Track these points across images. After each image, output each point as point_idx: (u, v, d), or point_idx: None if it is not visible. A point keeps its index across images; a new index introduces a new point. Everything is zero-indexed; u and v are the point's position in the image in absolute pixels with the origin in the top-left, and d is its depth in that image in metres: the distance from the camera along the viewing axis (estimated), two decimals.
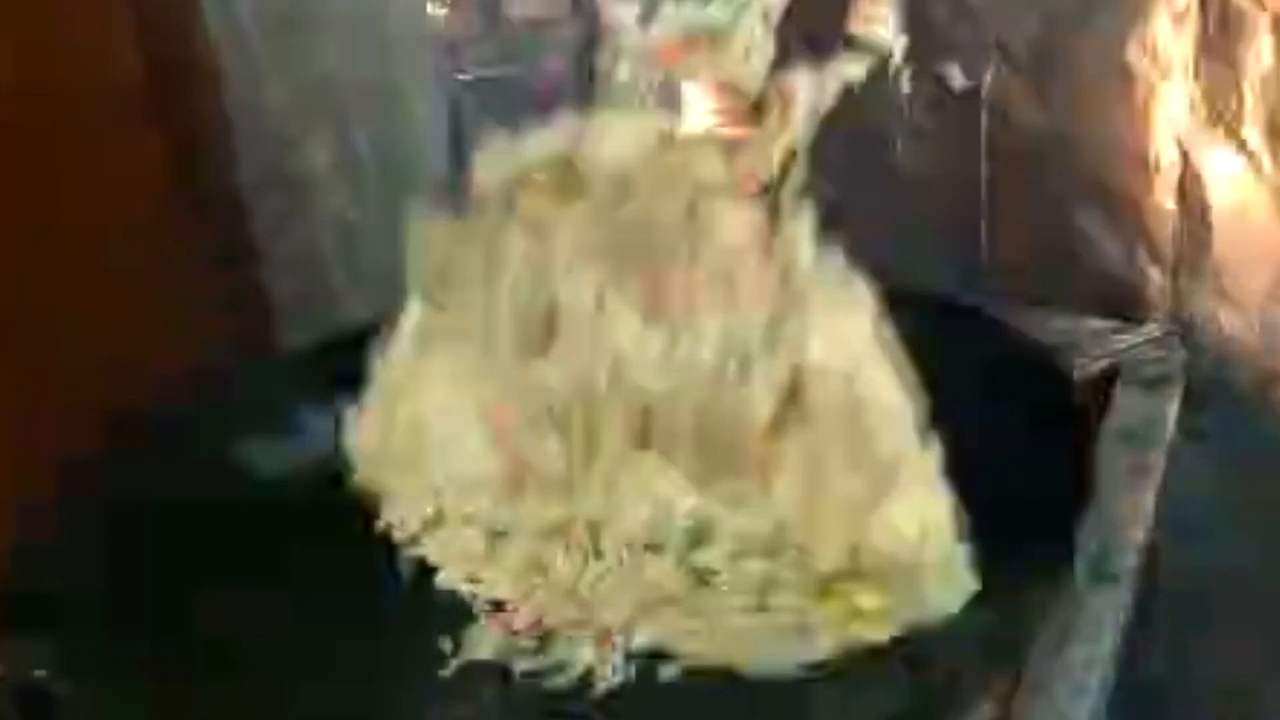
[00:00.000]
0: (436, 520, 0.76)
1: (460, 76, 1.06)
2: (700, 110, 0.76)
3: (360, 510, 0.77)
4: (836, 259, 0.73)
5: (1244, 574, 0.91)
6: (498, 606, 0.72)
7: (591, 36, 1.06)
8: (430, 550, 0.75)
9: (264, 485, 0.78)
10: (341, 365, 0.80)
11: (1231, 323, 0.88)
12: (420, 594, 0.74)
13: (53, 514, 0.73)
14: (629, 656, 0.68)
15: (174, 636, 0.67)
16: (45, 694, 0.62)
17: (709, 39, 0.77)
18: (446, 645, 0.69)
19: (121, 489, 0.75)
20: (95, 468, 0.76)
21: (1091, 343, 0.90)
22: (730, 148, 0.75)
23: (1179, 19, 0.85)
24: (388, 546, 0.76)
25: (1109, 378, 0.88)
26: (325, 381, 0.81)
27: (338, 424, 0.79)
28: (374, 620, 0.72)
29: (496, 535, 0.75)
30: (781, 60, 0.76)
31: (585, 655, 0.68)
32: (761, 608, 0.70)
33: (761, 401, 0.72)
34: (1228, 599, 0.92)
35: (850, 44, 0.76)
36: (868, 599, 0.69)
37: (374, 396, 0.79)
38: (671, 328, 0.73)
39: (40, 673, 0.63)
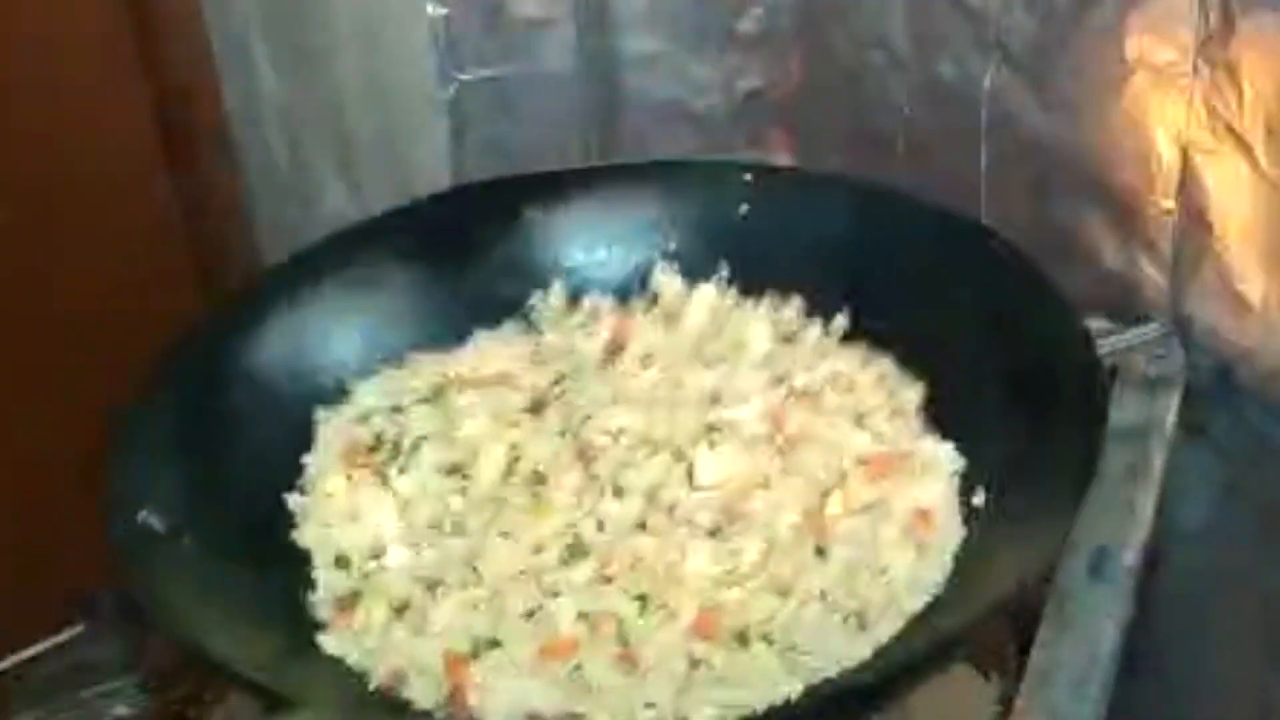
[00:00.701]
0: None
1: (460, 76, 1.06)
2: None
3: None
4: None
5: (1244, 574, 0.90)
6: None
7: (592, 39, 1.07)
8: None
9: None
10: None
11: (1231, 323, 0.87)
12: None
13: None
14: None
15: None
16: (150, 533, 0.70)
17: None
18: None
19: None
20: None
21: None
22: None
23: (1179, 19, 0.84)
24: None
25: (1108, 377, 0.88)
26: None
27: None
28: None
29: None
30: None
31: None
32: None
33: None
34: (1228, 599, 0.92)
35: None
36: None
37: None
38: None
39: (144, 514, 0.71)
